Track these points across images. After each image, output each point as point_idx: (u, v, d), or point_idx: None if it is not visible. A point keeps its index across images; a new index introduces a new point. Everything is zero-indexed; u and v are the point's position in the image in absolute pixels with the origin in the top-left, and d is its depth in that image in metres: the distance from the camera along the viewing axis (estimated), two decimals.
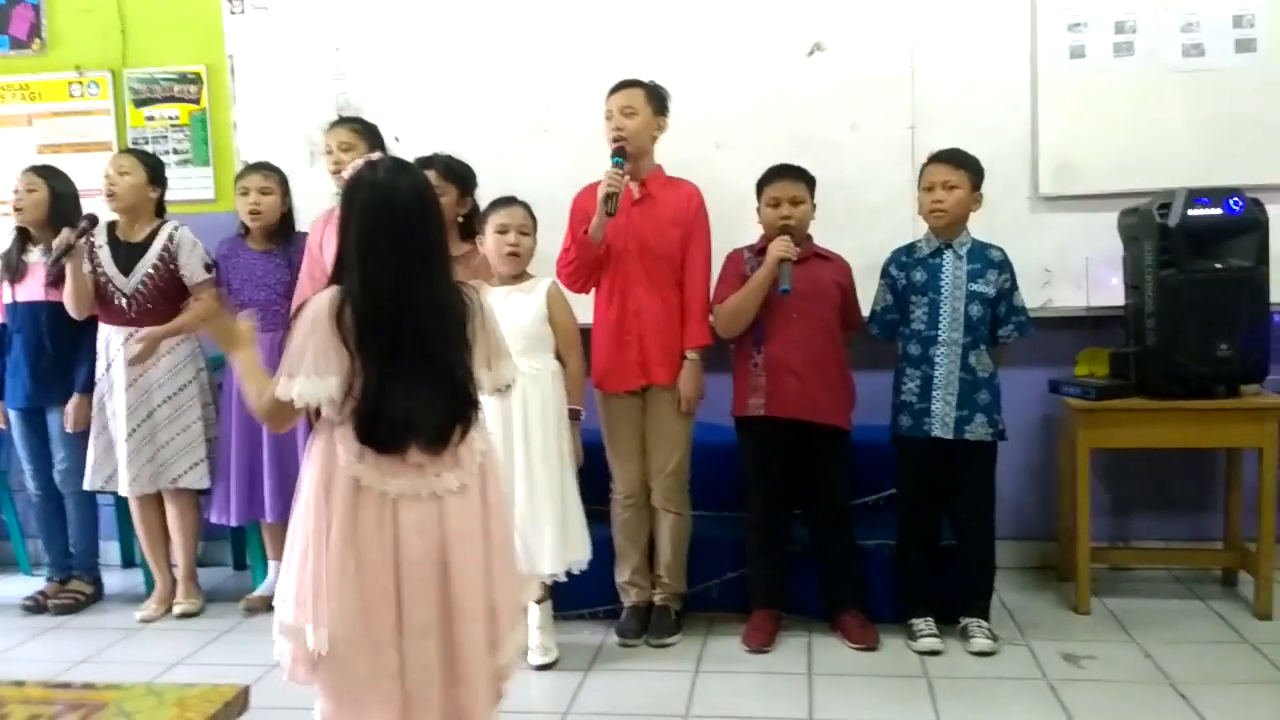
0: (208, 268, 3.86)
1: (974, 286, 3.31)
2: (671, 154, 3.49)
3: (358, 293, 2.03)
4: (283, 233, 3.88)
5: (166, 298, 3.81)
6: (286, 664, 2.09)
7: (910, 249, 3.43)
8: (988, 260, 3.34)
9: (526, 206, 3.27)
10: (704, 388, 3.41)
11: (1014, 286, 3.37)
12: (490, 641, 2.12)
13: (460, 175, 3.49)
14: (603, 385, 3.44)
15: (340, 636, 2.02)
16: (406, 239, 2.04)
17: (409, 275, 2.03)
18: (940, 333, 3.31)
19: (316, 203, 3.83)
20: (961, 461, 3.33)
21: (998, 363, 3.37)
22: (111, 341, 3.83)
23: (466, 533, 2.09)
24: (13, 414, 4.01)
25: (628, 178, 3.30)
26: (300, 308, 2.12)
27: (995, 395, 3.34)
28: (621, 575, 3.50)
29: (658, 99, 3.39)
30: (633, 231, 3.35)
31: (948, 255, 3.34)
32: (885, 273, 3.45)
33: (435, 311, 2.05)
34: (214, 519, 3.89)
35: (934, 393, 3.31)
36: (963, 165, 3.31)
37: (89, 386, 3.87)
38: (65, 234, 3.70)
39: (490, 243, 3.24)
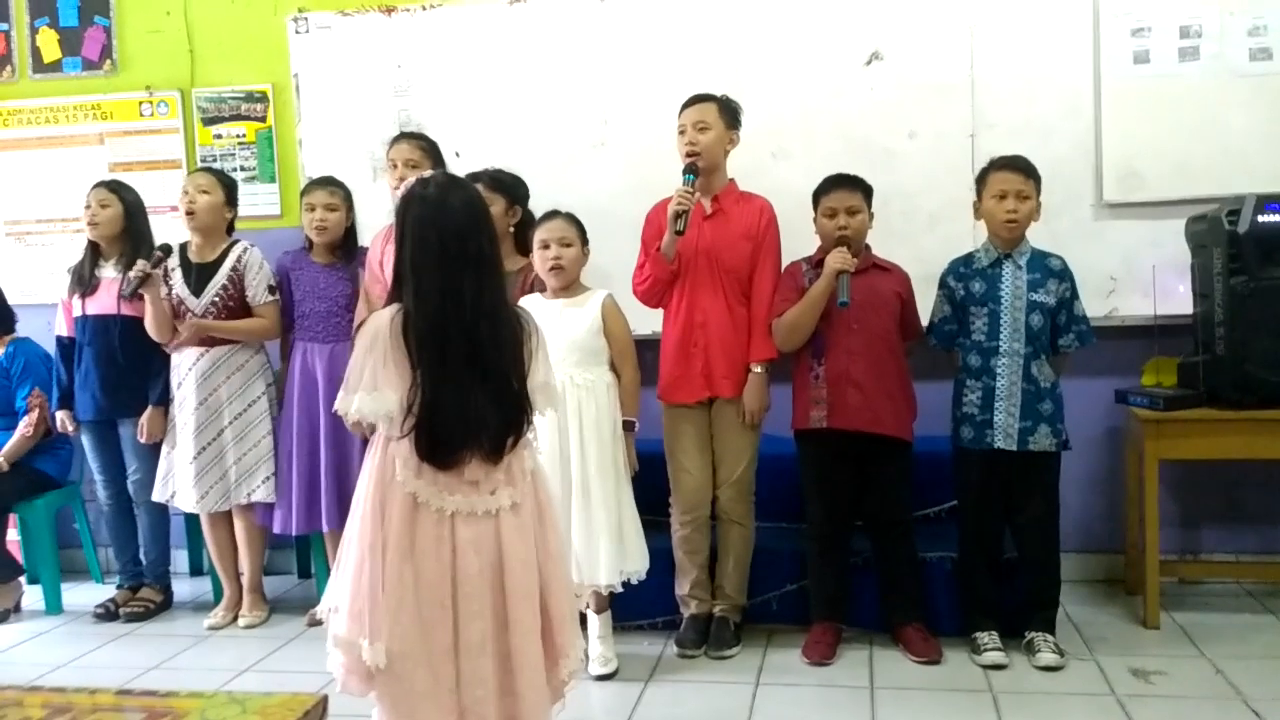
0: (271, 289, 3.93)
1: (1034, 296, 3.27)
2: (729, 163, 3.49)
3: (412, 307, 2.08)
4: (345, 247, 3.94)
5: (235, 317, 3.89)
6: (340, 676, 2.12)
7: (968, 259, 3.39)
8: (1048, 270, 3.30)
9: (569, 218, 3.29)
10: (769, 401, 3.40)
11: (1074, 295, 3.32)
12: (550, 653, 2.15)
13: (507, 185, 3.53)
14: (667, 396, 3.45)
15: (397, 651, 2.05)
16: (456, 252, 2.08)
17: (458, 287, 2.07)
18: (1001, 343, 3.28)
19: (379, 218, 3.90)
20: (1025, 473, 3.29)
21: (1059, 372, 3.33)
22: (183, 361, 3.91)
23: (521, 549, 2.12)
24: (84, 426, 4.10)
25: (698, 194, 3.31)
26: (360, 326, 2.18)
27: (1058, 405, 3.29)
28: (682, 589, 3.51)
29: (730, 113, 3.40)
30: (704, 245, 3.36)
31: (1007, 265, 3.30)
32: (943, 284, 3.41)
33: (486, 322, 2.08)
34: (277, 529, 3.95)
35: (996, 404, 3.27)
36: (1032, 174, 3.27)
37: (164, 399, 3.95)
38: (141, 265, 3.76)
39: (536, 259, 3.29)
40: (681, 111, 3.39)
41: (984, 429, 3.29)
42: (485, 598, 2.08)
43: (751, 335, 3.37)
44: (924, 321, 3.49)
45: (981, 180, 3.34)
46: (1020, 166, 3.28)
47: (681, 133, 3.36)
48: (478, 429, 2.07)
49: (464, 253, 2.08)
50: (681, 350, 3.39)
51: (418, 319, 2.07)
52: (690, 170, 3.30)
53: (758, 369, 3.37)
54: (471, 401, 2.05)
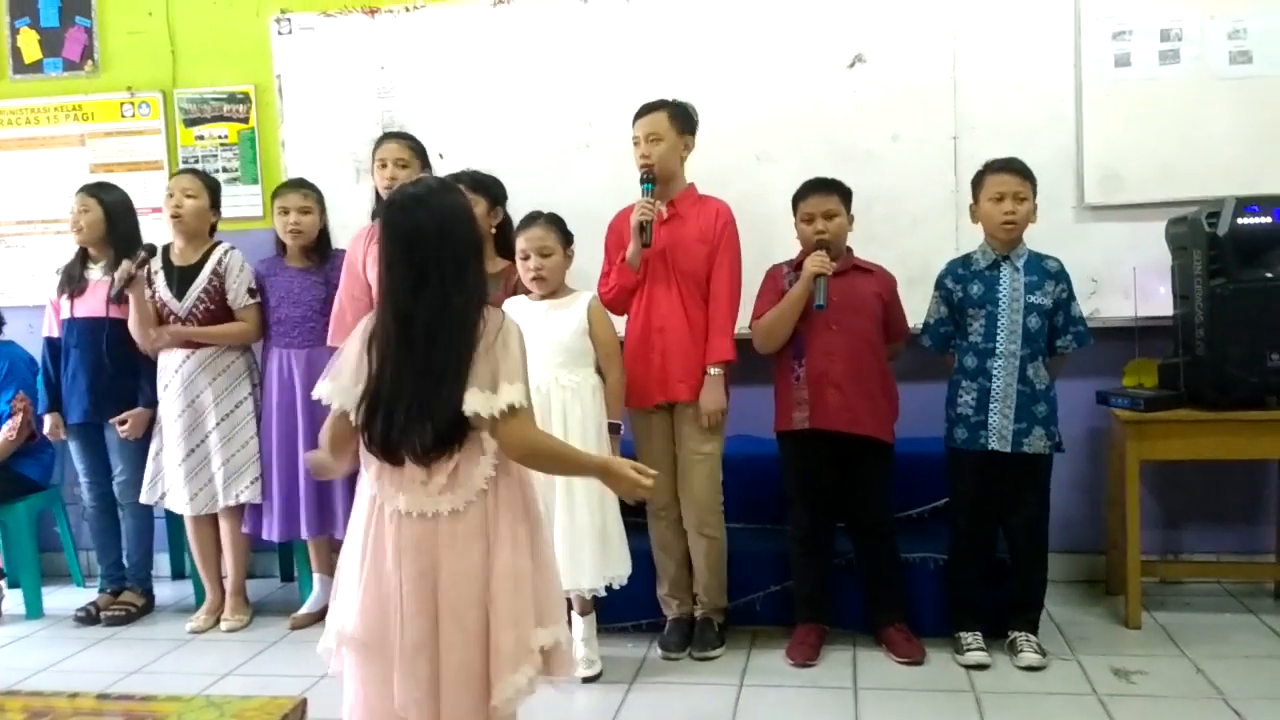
0: (251, 292, 3.92)
1: (1032, 298, 3.27)
2: (712, 166, 3.50)
3: (376, 307, 2.15)
4: (319, 250, 3.93)
5: (220, 320, 3.88)
6: (329, 658, 2.20)
7: (966, 261, 3.39)
8: (1045, 271, 3.31)
9: (550, 222, 3.27)
10: (726, 403, 3.39)
11: (1071, 297, 3.33)
12: (483, 677, 2.09)
13: (487, 186, 3.51)
14: (629, 401, 3.43)
15: (353, 639, 2.13)
16: (400, 256, 2.09)
17: (397, 290, 2.08)
18: (998, 345, 3.28)
19: (361, 219, 3.89)
20: (1018, 474, 3.30)
21: (1055, 374, 3.34)
22: (169, 363, 3.89)
23: (454, 560, 2.09)
24: (71, 428, 4.08)
25: (659, 203, 3.31)
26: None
27: (1052, 407, 3.31)
28: (661, 588, 3.51)
29: (682, 118, 3.39)
30: (659, 249, 3.35)
31: (1005, 267, 3.30)
32: (940, 285, 3.41)
33: (430, 330, 2.06)
34: (264, 535, 3.94)
35: (991, 405, 3.28)
36: (1029, 176, 3.28)
37: (152, 401, 3.94)
38: (125, 266, 3.74)
39: (519, 268, 3.29)
40: (634, 122, 3.38)
41: (978, 430, 3.29)
42: (424, 601, 2.09)
43: (708, 337, 3.36)
44: (910, 323, 3.50)
45: (977, 183, 3.34)
46: (1017, 168, 3.29)
47: (636, 144, 3.36)
48: (405, 428, 2.06)
49: (408, 257, 2.08)
50: (640, 354, 3.39)
51: (377, 319, 2.13)
52: (647, 180, 3.31)
53: (714, 371, 3.35)
54: (399, 401, 2.06)
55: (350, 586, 2.16)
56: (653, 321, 3.38)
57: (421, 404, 2.05)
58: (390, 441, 2.08)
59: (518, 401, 2.06)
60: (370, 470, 2.16)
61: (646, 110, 3.38)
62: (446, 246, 2.09)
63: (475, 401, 2.05)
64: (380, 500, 2.14)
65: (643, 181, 3.31)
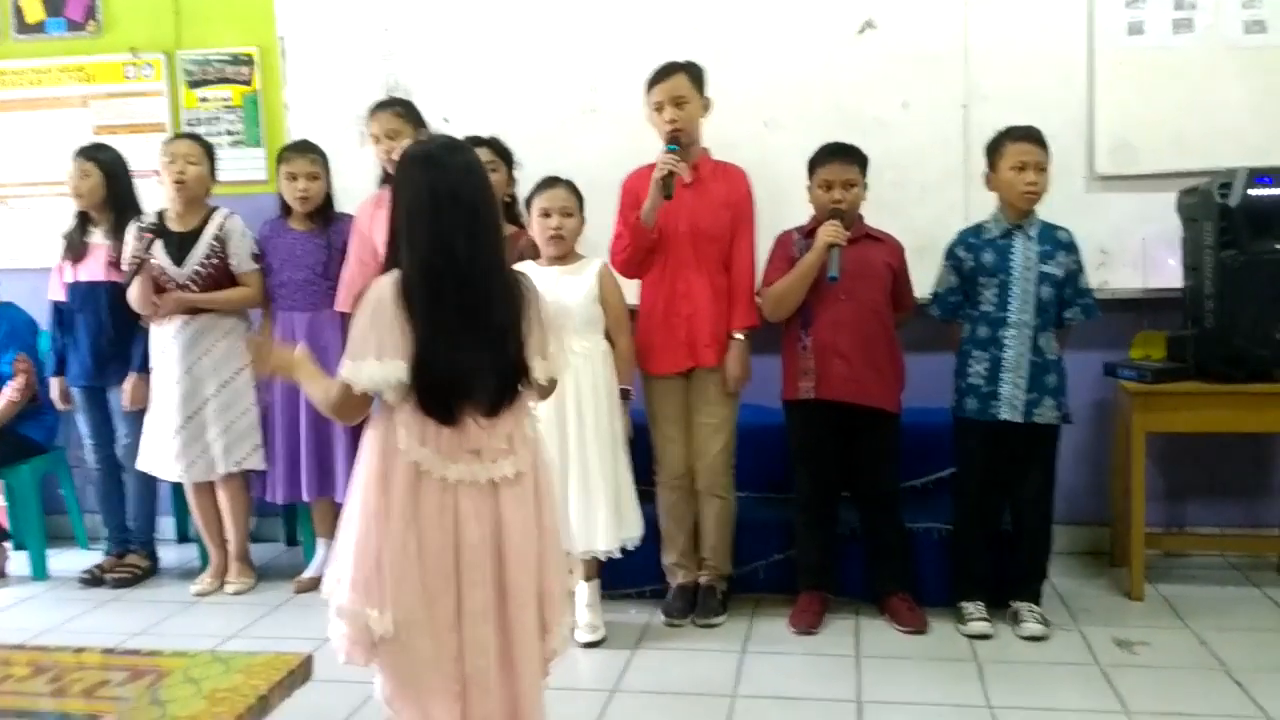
0: (255, 257, 3.90)
1: (1044, 268, 3.25)
2: (721, 133, 3.47)
3: (409, 264, 2.03)
4: (323, 213, 3.91)
5: (220, 286, 3.86)
6: (343, 646, 2.08)
7: (978, 230, 3.35)
8: (1057, 241, 3.29)
9: (569, 186, 3.28)
10: (750, 369, 3.39)
11: (1080, 268, 3.31)
12: (541, 626, 2.15)
13: (509, 155, 3.55)
14: (649, 367, 3.43)
15: (403, 620, 2.03)
16: (449, 206, 2.03)
17: (451, 240, 2.02)
18: (1010, 315, 3.26)
19: (365, 184, 3.86)
20: (1027, 445, 3.29)
21: (1061, 345, 3.32)
22: (166, 330, 3.87)
23: (520, 519, 2.10)
24: (75, 391, 4.08)
25: (683, 162, 3.28)
26: (360, 295, 2.10)
27: (1062, 377, 3.29)
28: (668, 557, 3.51)
29: (699, 79, 3.36)
30: (685, 214, 3.33)
31: (1019, 236, 3.28)
32: (950, 254, 3.38)
33: (483, 277, 2.04)
34: (267, 497, 3.96)
35: (1003, 375, 3.26)
36: (1047, 146, 3.25)
37: (146, 365, 3.92)
38: (135, 249, 3.72)
39: (535, 227, 3.27)
40: (652, 86, 3.33)
41: (989, 400, 3.27)
42: (486, 567, 2.08)
43: (732, 303, 3.36)
44: (916, 293, 3.48)
45: (995, 150, 3.29)
46: (1038, 138, 3.25)
47: (659, 109, 3.31)
48: (471, 380, 2.03)
49: (456, 206, 2.04)
50: (665, 320, 3.37)
51: (411, 273, 2.03)
52: (674, 142, 3.27)
53: (739, 336, 3.36)
54: (464, 353, 2.02)
55: (382, 565, 2.03)
56: (678, 287, 3.36)
57: (486, 352, 2.04)
58: (451, 399, 2.03)
59: (564, 371, 2.19)
60: (410, 436, 2.04)
61: (667, 73, 3.32)
62: (483, 195, 2.10)
63: (539, 369, 2.11)
64: (428, 469, 2.04)
65: (668, 144, 3.26)
